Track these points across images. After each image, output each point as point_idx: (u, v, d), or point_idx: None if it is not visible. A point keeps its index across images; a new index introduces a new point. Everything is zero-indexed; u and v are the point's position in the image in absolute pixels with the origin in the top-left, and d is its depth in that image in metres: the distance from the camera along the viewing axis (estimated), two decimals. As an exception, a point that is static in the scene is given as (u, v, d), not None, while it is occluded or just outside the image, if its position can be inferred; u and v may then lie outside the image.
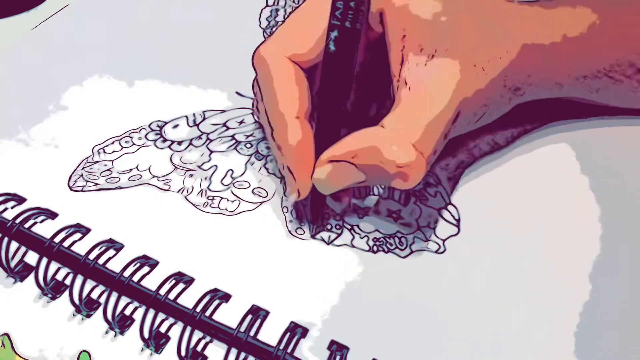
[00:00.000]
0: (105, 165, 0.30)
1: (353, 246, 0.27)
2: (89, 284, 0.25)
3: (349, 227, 0.28)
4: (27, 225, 0.27)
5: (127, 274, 0.25)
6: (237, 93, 0.34)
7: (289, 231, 0.28)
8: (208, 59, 0.36)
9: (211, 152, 0.31)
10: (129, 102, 0.34)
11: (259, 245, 0.27)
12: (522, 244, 0.27)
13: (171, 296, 0.24)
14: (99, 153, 0.31)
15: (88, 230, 0.27)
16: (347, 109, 0.26)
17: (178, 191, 0.29)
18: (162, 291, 0.25)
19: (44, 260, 0.26)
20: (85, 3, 0.40)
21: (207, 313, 0.24)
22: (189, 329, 0.24)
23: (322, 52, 0.25)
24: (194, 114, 0.33)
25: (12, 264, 0.26)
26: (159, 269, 0.26)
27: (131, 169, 0.30)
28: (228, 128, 0.33)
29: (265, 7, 0.40)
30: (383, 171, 0.24)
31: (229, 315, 0.24)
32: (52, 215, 0.28)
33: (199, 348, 0.24)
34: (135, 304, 0.25)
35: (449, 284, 0.26)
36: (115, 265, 0.25)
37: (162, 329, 0.24)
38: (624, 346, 0.24)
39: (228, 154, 0.31)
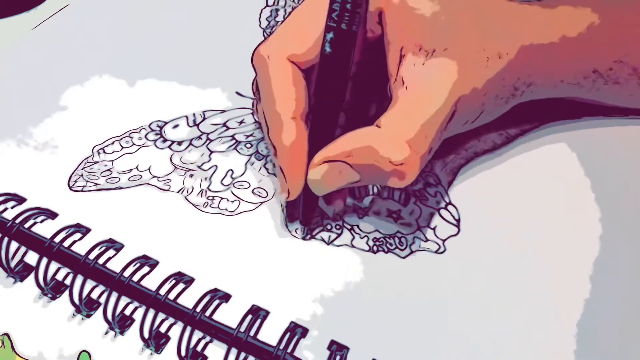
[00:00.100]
0: (106, 165, 0.30)
1: (353, 246, 0.27)
2: (89, 284, 0.25)
3: (349, 227, 0.28)
4: (27, 225, 0.27)
5: (127, 274, 0.25)
6: (237, 93, 0.34)
7: (289, 231, 0.28)
8: (208, 59, 0.36)
9: (211, 152, 0.31)
10: (129, 102, 0.34)
11: (259, 246, 0.27)
12: (522, 244, 0.27)
13: (171, 296, 0.24)
14: (99, 153, 0.31)
15: (88, 230, 0.27)
16: (343, 111, 0.26)
17: (178, 191, 0.29)
18: (162, 291, 0.25)
19: (44, 260, 0.26)
20: (85, 3, 0.40)
21: (207, 313, 0.24)
22: (189, 329, 0.24)
23: None
24: (194, 114, 0.33)
25: (12, 264, 0.26)
26: (159, 269, 0.26)
27: (131, 169, 0.30)
28: (228, 128, 0.33)
29: (265, 7, 0.40)
30: (378, 170, 0.24)
31: (229, 315, 0.24)
32: (52, 215, 0.28)
33: (199, 348, 0.24)
34: (135, 304, 0.25)
35: (449, 284, 0.26)
36: (115, 265, 0.25)
37: (162, 329, 0.24)
38: (624, 346, 0.24)
39: (228, 154, 0.31)
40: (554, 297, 0.26)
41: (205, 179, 0.30)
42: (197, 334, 0.24)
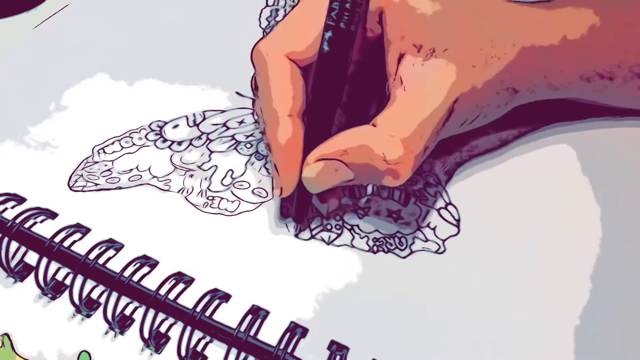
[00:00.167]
0: (106, 165, 0.30)
1: (353, 246, 0.27)
2: (89, 284, 0.25)
3: (349, 227, 0.28)
4: (27, 225, 0.27)
5: (127, 274, 0.25)
6: (237, 93, 0.34)
7: (289, 231, 0.28)
8: (208, 59, 0.36)
9: (211, 152, 0.31)
10: (129, 102, 0.34)
11: (259, 246, 0.27)
12: (522, 244, 0.27)
13: (171, 296, 0.24)
14: (99, 153, 0.31)
15: (88, 230, 0.27)
16: (342, 111, 0.26)
17: (178, 191, 0.29)
18: (162, 291, 0.25)
19: (44, 260, 0.26)
20: (85, 3, 0.40)
21: (207, 313, 0.24)
22: (189, 329, 0.24)
23: None
24: (194, 114, 0.33)
25: (12, 264, 0.26)
26: (159, 269, 0.26)
27: (131, 169, 0.30)
28: (228, 128, 0.33)
29: (265, 7, 0.40)
30: (373, 168, 0.24)
31: (229, 315, 0.24)
32: (52, 215, 0.28)
33: (199, 348, 0.24)
34: (135, 304, 0.25)
35: (449, 284, 0.26)
36: (115, 265, 0.25)
37: (162, 329, 0.24)
38: (624, 346, 0.24)
39: (228, 154, 0.31)
40: (554, 297, 0.26)
41: (205, 179, 0.30)
42: (197, 334, 0.24)
